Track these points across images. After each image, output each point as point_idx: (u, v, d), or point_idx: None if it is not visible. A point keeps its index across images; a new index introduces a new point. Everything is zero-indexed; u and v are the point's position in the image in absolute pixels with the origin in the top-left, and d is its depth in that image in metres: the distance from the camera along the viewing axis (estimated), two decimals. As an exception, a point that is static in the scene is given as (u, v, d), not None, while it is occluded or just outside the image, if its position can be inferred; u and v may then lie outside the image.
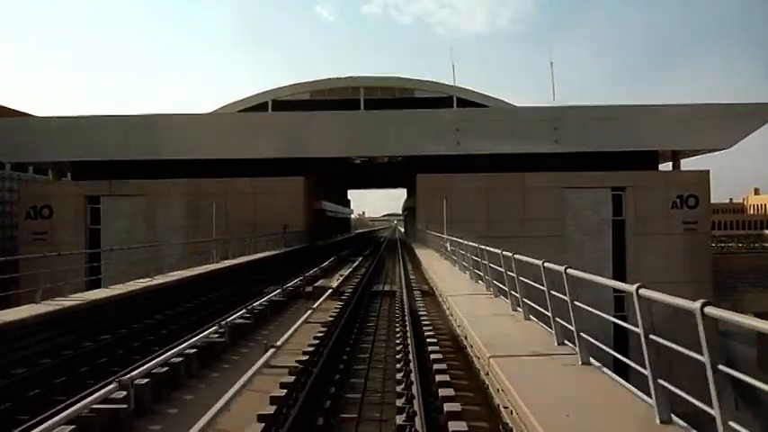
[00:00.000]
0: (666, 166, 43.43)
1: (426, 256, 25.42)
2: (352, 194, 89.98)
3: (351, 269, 26.20)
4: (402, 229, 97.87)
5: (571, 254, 39.59)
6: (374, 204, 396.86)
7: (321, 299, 16.91)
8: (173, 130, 40.16)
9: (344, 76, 44.36)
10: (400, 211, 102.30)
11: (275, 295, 17.15)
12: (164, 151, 39.61)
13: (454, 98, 43.46)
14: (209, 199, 39.57)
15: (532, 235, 39.18)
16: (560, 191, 39.60)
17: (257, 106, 44.04)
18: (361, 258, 31.84)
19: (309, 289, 19.29)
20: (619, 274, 39.00)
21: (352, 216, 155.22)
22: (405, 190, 72.11)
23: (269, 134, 39.77)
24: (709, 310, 3.21)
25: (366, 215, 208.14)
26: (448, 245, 19.62)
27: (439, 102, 43.37)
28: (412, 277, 21.89)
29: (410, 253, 32.92)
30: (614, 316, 6.90)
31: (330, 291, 18.32)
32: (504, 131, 39.86)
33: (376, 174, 58.54)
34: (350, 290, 18.87)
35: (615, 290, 6.54)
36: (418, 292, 18.11)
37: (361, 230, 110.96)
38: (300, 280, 20.57)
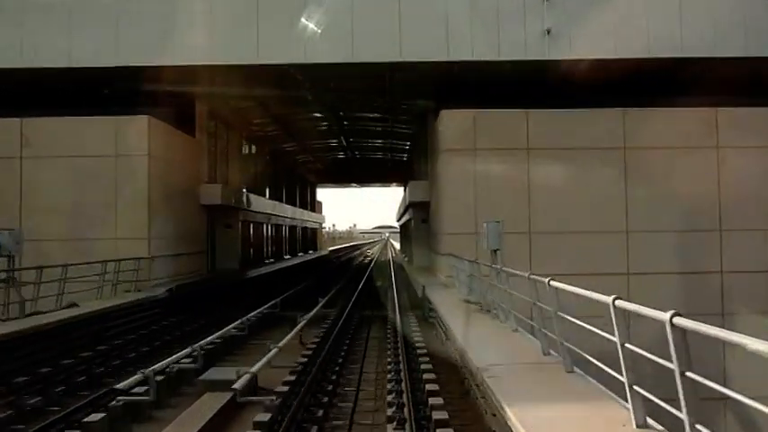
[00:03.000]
0: None
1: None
2: (342, 201, 65.84)
3: None
4: (397, 246, 71.67)
5: None
6: (367, 217, 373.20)
7: None
8: None
9: None
10: (395, 222, 76.13)
11: None
12: None
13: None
14: None
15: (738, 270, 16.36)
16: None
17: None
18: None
19: None
20: None
21: (334, 228, 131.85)
22: (402, 189, 48.01)
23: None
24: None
25: (357, 227, 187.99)
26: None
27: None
28: None
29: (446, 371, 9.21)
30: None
31: None
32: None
33: (351, 138, 34.78)
34: None
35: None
36: None
37: (339, 246, 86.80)
38: None
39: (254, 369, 8.06)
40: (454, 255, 14.64)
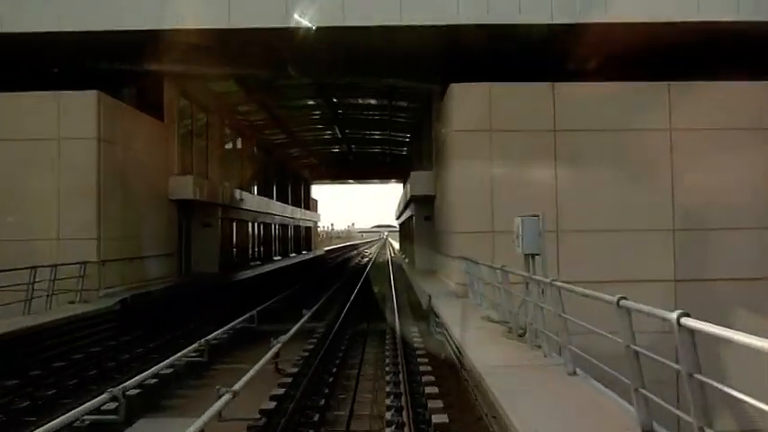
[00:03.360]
0: None
1: None
2: (341, 201, 62.86)
3: None
4: (396, 246, 69.18)
5: None
6: (366, 216, 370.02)
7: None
8: None
9: None
10: (394, 221, 73.03)
11: None
12: None
13: None
14: None
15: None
16: None
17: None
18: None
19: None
20: None
21: (332, 227, 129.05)
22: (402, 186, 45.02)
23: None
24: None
25: (355, 226, 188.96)
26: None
27: None
28: None
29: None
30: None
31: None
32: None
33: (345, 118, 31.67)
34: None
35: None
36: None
37: (336, 246, 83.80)
38: None
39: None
40: (469, 258, 11.89)
